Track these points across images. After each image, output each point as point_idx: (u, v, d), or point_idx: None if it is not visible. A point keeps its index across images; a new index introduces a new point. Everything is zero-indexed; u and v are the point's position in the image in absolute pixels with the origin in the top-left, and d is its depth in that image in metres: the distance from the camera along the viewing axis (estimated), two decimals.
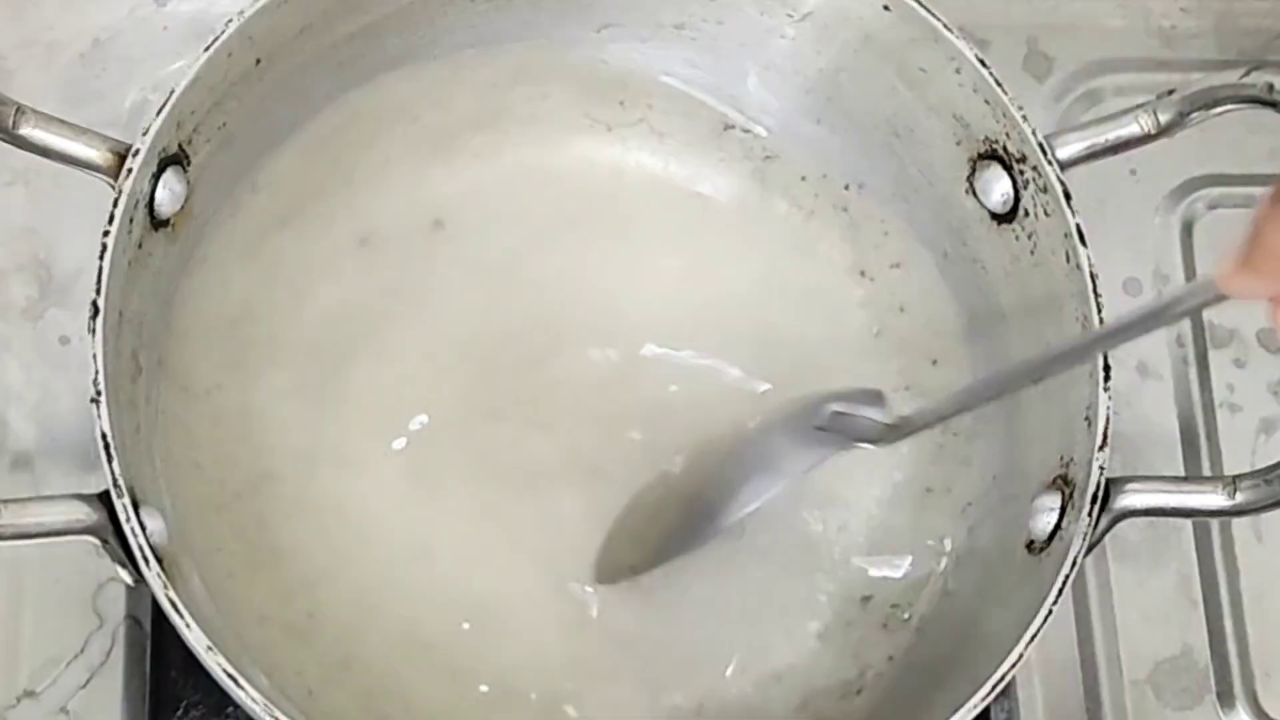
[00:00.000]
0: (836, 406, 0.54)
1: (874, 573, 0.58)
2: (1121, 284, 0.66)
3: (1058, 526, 0.52)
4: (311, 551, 0.56)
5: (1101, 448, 0.51)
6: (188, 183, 0.54)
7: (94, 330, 0.49)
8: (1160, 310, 0.45)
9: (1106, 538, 0.52)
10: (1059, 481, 0.53)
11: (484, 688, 0.56)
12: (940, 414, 0.52)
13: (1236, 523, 0.63)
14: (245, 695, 0.46)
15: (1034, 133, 0.54)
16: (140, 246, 0.52)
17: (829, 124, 0.62)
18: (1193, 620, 0.62)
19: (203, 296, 0.58)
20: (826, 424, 0.54)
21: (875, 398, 0.54)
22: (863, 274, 0.62)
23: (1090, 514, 0.50)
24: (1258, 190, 0.68)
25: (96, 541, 0.48)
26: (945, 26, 0.55)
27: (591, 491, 0.58)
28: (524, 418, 0.59)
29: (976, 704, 0.48)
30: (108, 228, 0.50)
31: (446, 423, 0.59)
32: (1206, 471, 0.64)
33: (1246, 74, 0.53)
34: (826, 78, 0.60)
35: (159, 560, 0.47)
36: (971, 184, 0.58)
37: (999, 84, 0.55)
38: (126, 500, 0.47)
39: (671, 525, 0.57)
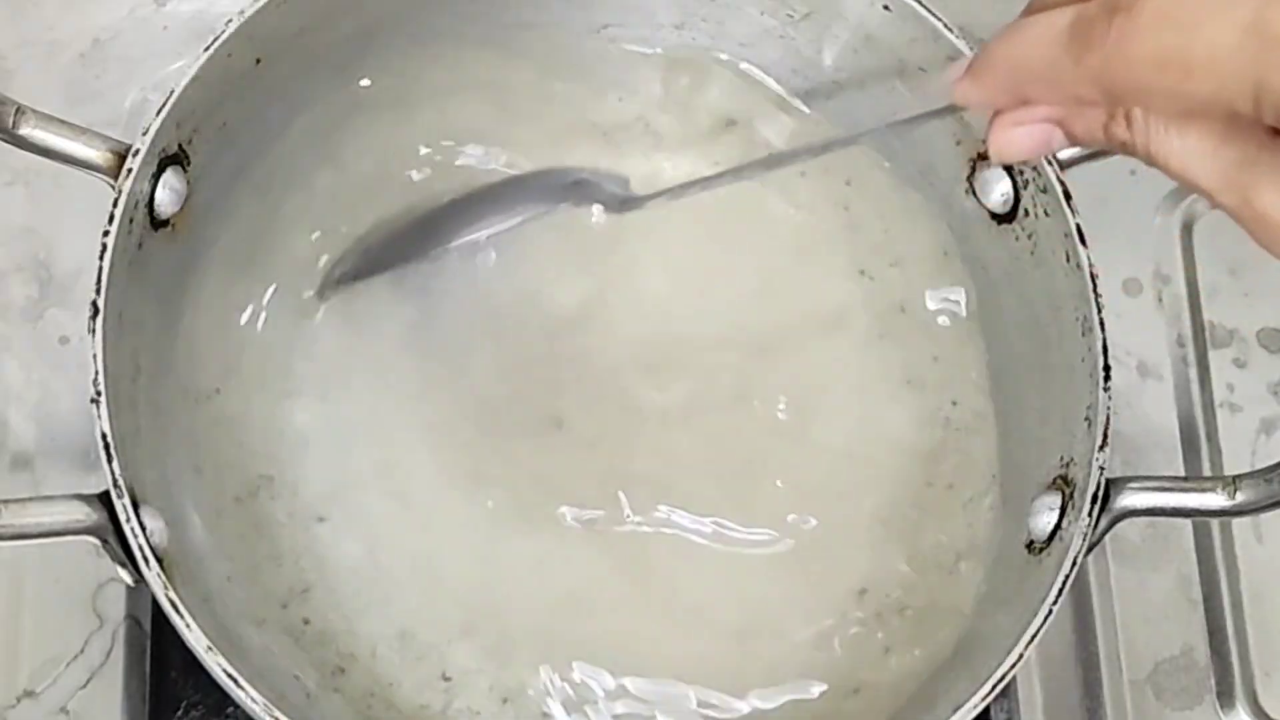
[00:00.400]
0: (583, 175, 0.58)
1: (873, 570, 0.58)
2: (1121, 284, 0.66)
3: (1058, 526, 0.52)
4: (308, 556, 0.56)
5: (1101, 448, 0.51)
6: (188, 183, 0.54)
7: (94, 330, 0.49)
8: (905, 120, 0.49)
9: (1106, 538, 0.52)
10: (1059, 481, 0.53)
11: (481, 690, 0.56)
12: (673, 193, 0.56)
13: (1236, 523, 0.63)
14: (245, 695, 0.46)
15: None
16: (140, 246, 0.52)
17: (829, 124, 0.62)
18: (1193, 620, 0.62)
19: (203, 296, 0.58)
20: (571, 190, 0.58)
21: (621, 181, 0.58)
22: (862, 273, 0.62)
23: (1090, 514, 0.50)
24: None
25: (96, 541, 0.48)
26: (945, 26, 0.55)
27: (593, 499, 0.58)
28: (523, 420, 0.59)
29: (976, 704, 0.48)
30: (108, 228, 0.50)
31: (445, 424, 0.58)
32: (1206, 471, 0.64)
33: None
34: (826, 77, 0.60)
35: (159, 560, 0.47)
36: (971, 184, 0.58)
37: None
38: (126, 500, 0.47)
39: (399, 239, 0.59)
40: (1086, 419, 0.52)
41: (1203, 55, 0.36)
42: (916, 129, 0.59)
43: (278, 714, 0.46)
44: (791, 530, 0.58)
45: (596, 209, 0.59)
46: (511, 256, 0.60)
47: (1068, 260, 0.54)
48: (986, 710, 0.49)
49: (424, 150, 0.62)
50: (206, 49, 0.53)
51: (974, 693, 0.48)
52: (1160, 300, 0.67)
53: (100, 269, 0.50)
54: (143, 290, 0.53)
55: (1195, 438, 0.65)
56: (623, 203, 0.58)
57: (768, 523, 0.58)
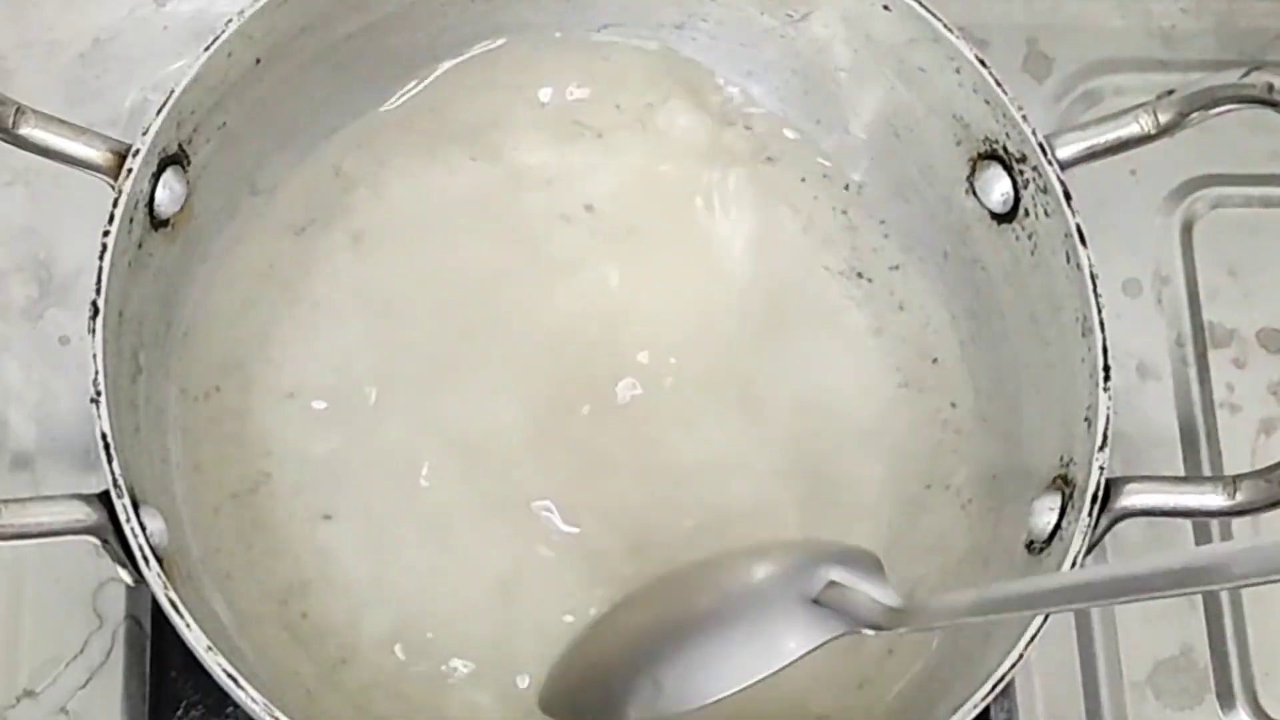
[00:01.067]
0: (833, 575, 0.49)
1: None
2: (1121, 284, 0.66)
3: (1058, 526, 0.52)
4: (307, 553, 0.56)
5: (1101, 448, 0.51)
6: (188, 183, 0.54)
7: (94, 330, 0.49)
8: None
9: (1106, 538, 0.52)
10: (1059, 481, 0.53)
11: (483, 685, 0.56)
12: (946, 616, 0.46)
13: (1236, 523, 0.63)
14: (245, 695, 0.46)
15: (1034, 133, 0.54)
16: (140, 246, 0.52)
17: (829, 124, 0.62)
18: (1193, 620, 0.62)
19: (202, 296, 0.58)
20: (822, 598, 0.49)
21: (872, 564, 0.49)
22: (861, 274, 0.62)
23: (1090, 514, 0.50)
24: (1258, 190, 0.69)
25: (96, 541, 0.48)
26: (945, 26, 0.55)
27: (590, 496, 0.58)
28: (521, 419, 0.59)
29: (977, 704, 0.48)
30: (108, 228, 0.50)
31: (443, 423, 0.58)
32: (1206, 471, 0.64)
33: (1246, 74, 0.53)
34: (827, 78, 0.60)
35: (159, 560, 0.47)
36: (971, 184, 0.58)
37: (999, 84, 0.55)
38: (126, 500, 0.47)
39: (633, 688, 0.51)
40: (1086, 419, 0.52)
41: None
42: (918, 129, 0.59)
43: (278, 714, 0.46)
44: (792, 532, 0.58)
45: (868, 633, 0.48)
46: None
47: (1068, 260, 0.54)
48: (986, 710, 0.49)
49: (426, 151, 0.62)
50: (206, 49, 0.53)
51: (974, 693, 0.48)
52: (1160, 301, 0.67)
53: (100, 269, 0.50)
54: (143, 290, 0.53)
55: (1195, 438, 0.65)
56: (894, 615, 0.47)
57: (767, 524, 0.58)
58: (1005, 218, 0.57)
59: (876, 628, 0.48)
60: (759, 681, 0.48)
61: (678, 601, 0.53)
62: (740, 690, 0.48)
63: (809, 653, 0.49)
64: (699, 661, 0.50)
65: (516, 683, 0.56)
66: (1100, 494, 0.51)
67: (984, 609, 0.45)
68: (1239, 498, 0.51)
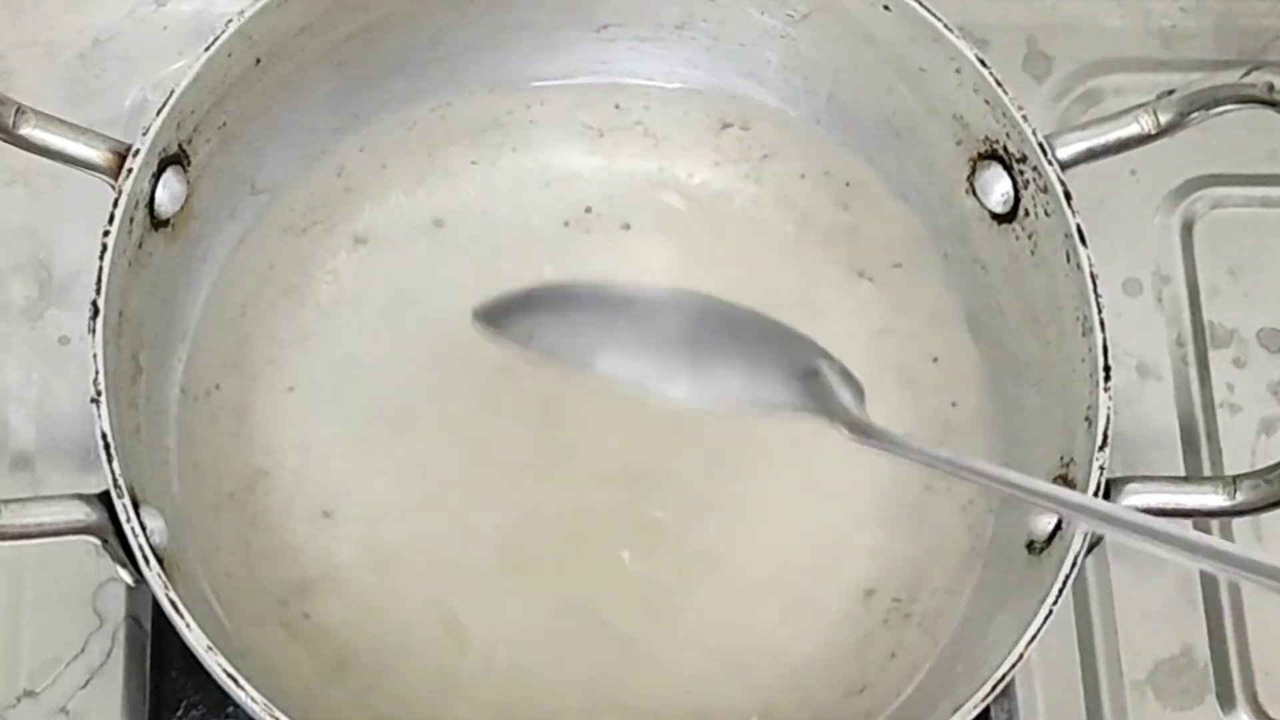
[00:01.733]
0: (822, 366, 0.49)
1: (876, 573, 0.58)
2: (1121, 284, 0.66)
3: (1058, 526, 0.52)
4: (307, 552, 0.56)
5: (1101, 448, 0.51)
6: (188, 183, 0.54)
7: (94, 330, 0.49)
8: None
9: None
10: (1059, 481, 0.53)
11: (480, 688, 0.56)
12: (902, 450, 0.47)
13: (1236, 523, 0.63)
14: (245, 695, 0.46)
15: (1034, 133, 0.54)
16: (140, 246, 0.52)
17: (829, 124, 0.62)
18: (1193, 620, 0.62)
19: (202, 296, 0.58)
20: (807, 382, 0.48)
21: (855, 383, 0.49)
22: (861, 274, 0.62)
23: None
24: (1258, 190, 0.69)
25: (96, 541, 0.48)
26: (945, 26, 0.55)
27: (586, 491, 0.58)
28: (520, 416, 0.59)
29: (977, 704, 0.48)
30: (108, 228, 0.50)
31: (443, 422, 0.58)
32: (1206, 471, 0.64)
33: (1246, 74, 0.53)
34: (826, 78, 0.60)
35: (159, 560, 0.47)
36: (971, 184, 0.58)
37: (999, 84, 0.55)
38: (126, 500, 0.47)
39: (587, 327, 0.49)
40: (1086, 419, 0.52)
41: None
42: (918, 129, 0.59)
43: (278, 713, 0.46)
44: (790, 531, 0.58)
45: (841, 430, 0.47)
46: None
47: (1068, 260, 0.54)
48: (986, 710, 0.49)
49: (426, 154, 0.62)
50: (206, 49, 0.53)
51: (974, 693, 0.48)
52: (1160, 300, 0.67)
53: (100, 269, 0.50)
54: (143, 290, 0.53)
55: (1195, 438, 0.65)
56: (853, 427, 0.47)
57: (766, 524, 0.58)
58: (1005, 218, 0.57)
59: (849, 427, 0.47)
60: (708, 410, 0.47)
61: (667, 302, 0.50)
62: (708, 408, 0.47)
63: (780, 411, 0.48)
64: (701, 373, 0.48)
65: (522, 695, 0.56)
66: (1100, 494, 0.51)
67: (928, 459, 0.46)
68: (1239, 498, 0.51)
